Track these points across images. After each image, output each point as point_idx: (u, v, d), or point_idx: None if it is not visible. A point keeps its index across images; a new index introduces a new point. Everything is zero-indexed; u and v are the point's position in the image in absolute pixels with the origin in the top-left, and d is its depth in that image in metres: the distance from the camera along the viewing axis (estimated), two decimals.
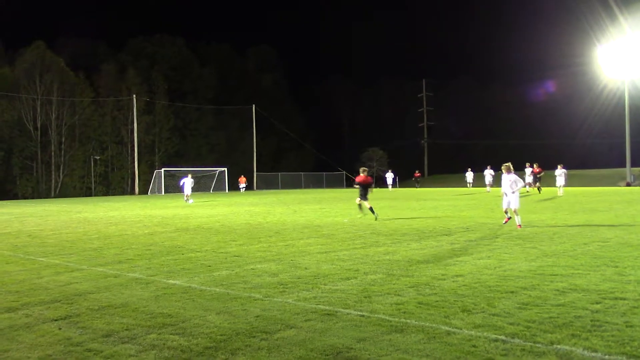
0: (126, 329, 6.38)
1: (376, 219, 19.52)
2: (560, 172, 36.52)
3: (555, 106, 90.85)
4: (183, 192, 36.74)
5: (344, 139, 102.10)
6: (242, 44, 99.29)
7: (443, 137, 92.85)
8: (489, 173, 44.44)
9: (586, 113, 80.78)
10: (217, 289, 8.43)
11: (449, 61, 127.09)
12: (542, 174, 38.60)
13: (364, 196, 20.10)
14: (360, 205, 20.65)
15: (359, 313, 6.80)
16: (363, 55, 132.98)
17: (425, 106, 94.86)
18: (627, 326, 6.00)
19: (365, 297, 7.63)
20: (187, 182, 35.80)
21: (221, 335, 6.07)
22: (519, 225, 16.01)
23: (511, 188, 16.36)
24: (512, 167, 16.71)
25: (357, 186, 20.49)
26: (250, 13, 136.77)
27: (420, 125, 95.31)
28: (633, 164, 61.79)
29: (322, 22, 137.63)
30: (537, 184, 38.37)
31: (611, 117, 72.30)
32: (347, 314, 6.79)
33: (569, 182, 40.05)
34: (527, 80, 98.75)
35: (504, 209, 17.01)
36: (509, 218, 16.85)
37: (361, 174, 20.28)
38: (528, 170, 40.07)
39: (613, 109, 69.13)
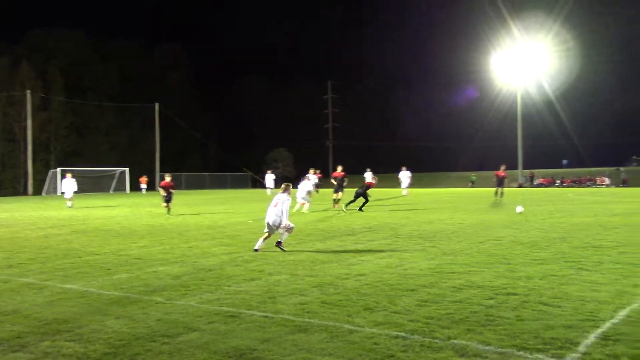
0: (17, 337, 6.03)
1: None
2: (404, 175, 38.37)
3: (456, 111, 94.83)
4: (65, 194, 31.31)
5: (251, 139, 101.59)
6: (149, 41, 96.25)
7: (349, 139, 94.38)
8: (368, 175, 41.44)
9: (482, 118, 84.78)
10: (117, 293, 8.14)
11: (356, 66, 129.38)
12: (345, 179, 27.19)
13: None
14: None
15: (263, 314, 6.77)
16: (274, 56, 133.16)
17: (330, 108, 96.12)
18: (517, 320, 6.32)
19: (270, 298, 7.61)
20: (67, 183, 31.36)
21: (120, 340, 5.87)
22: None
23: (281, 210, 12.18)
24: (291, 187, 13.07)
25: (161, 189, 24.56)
26: (157, 10, 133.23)
27: (325, 126, 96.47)
28: (524, 167, 65.80)
29: (233, 22, 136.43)
30: (340, 192, 26.75)
31: (504, 122, 76.22)
32: (251, 315, 6.75)
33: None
34: (432, 86, 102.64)
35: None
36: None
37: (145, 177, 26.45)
38: (310, 178, 26.51)
39: (506, 114, 72.85)
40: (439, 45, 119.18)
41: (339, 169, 27.33)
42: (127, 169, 65.05)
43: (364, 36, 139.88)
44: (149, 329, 6.26)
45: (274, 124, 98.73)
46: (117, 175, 64.15)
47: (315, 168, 30.80)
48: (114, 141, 77.94)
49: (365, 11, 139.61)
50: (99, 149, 75.87)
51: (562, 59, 67.28)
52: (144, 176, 62.44)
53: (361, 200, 24.11)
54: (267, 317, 6.65)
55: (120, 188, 63.72)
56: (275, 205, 12.29)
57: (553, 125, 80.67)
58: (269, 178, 46.27)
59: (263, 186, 44.95)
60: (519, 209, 21.50)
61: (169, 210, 23.71)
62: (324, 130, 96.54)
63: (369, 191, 25.01)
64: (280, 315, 6.69)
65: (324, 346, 5.56)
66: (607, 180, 62.99)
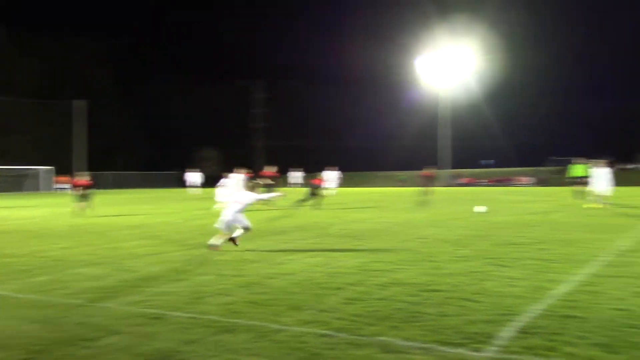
0: None
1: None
2: (331, 174, 36.04)
3: (385, 111, 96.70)
4: None
5: (179, 138, 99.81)
6: (72, 36, 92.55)
7: (278, 139, 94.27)
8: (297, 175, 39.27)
9: (411, 118, 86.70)
10: (34, 296, 7.83)
11: (285, 65, 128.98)
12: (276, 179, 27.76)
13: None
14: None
15: (188, 315, 6.67)
16: (201, 53, 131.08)
17: (257, 107, 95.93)
18: (441, 316, 6.48)
19: (196, 299, 7.51)
20: None
21: (38, 345, 5.65)
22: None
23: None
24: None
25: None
26: (80, 4, 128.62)
27: (253, 125, 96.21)
28: (443, 166, 67.93)
29: (161, 19, 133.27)
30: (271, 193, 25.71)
31: (432, 122, 78.13)
32: (176, 316, 6.64)
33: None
34: (361, 86, 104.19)
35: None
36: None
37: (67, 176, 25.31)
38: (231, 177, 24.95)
39: (434, 115, 74.66)
40: (367, 45, 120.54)
41: (272, 168, 26.79)
42: (48, 168, 62.68)
43: (291, 35, 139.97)
44: (68, 332, 6.06)
45: (202, 123, 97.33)
46: (36, 174, 61.70)
47: (247, 168, 30.56)
48: (36, 139, 74.78)
49: (294, 10, 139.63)
50: (20, 147, 72.61)
51: (488, 61, 69.61)
52: (66, 175, 60.21)
53: (308, 199, 24.51)
54: (192, 318, 6.55)
55: (43, 188, 61.35)
56: (234, 202, 12.28)
57: (478, 127, 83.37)
58: (193, 176, 43.96)
59: (189, 185, 43.86)
60: (479, 208, 21.67)
61: (85, 209, 22.91)
62: (253, 129, 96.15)
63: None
64: (206, 316, 6.61)
65: (250, 346, 5.53)
66: (528, 180, 65.53)
